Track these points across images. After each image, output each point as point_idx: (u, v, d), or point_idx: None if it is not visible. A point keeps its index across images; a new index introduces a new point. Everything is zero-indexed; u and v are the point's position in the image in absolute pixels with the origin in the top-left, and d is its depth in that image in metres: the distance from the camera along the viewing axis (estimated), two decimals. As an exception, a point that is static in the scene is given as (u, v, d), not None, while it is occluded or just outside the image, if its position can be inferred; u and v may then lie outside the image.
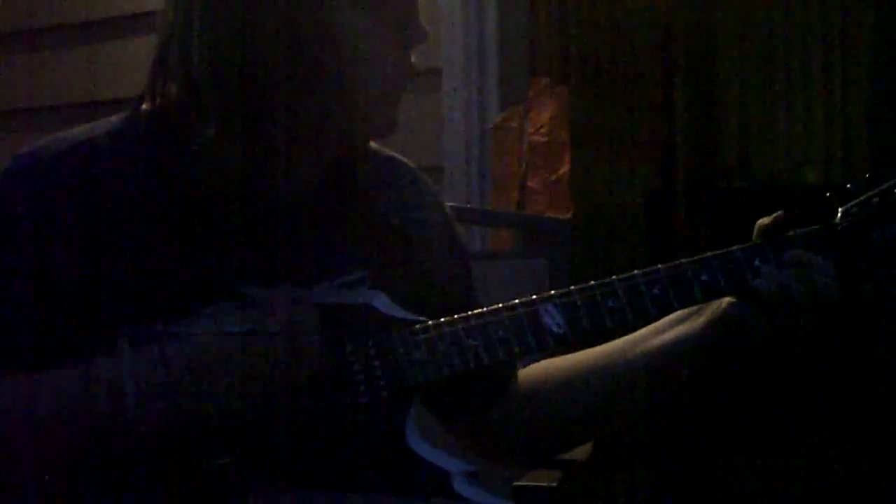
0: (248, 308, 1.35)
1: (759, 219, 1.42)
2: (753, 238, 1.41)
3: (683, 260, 1.38)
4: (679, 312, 1.47)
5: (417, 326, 1.37)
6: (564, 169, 2.98)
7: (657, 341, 1.49)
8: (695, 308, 1.46)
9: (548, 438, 1.60)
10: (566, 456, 1.70)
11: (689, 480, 3.13)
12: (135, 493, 1.29)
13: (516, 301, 1.39)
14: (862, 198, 1.39)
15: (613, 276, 1.38)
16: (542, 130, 3.02)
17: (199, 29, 1.33)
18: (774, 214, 1.41)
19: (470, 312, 1.38)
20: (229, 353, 1.30)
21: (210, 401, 1.28)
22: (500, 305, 1.38)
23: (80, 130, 1.41)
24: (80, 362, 1.30)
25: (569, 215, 2.94)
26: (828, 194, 1.40)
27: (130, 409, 1.26)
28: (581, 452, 1.78)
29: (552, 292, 1.39)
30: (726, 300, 1.42)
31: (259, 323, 1.34)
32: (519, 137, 3.05)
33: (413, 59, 1.42)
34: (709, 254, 1.39)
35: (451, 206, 1.64)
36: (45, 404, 1.29)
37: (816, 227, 1.39)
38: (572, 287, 1.39)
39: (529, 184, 3.02)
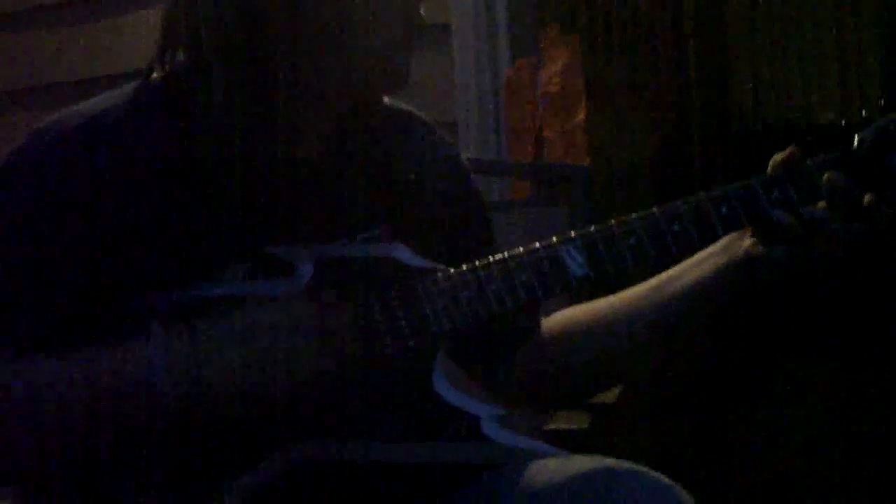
0: (270, 267, 1.36)
1: None
2: (769, 173, 1.41)
3: (702, 193, 1.38)
4: (699, 255, 1.47)
5: (440, 274, 1.38)
6: (579, 117, 2.98)
7: (680, 283, 1.49)
8: (716, 249, 1.46)
9: (574, 384, 1.60)
10: (595, 399, 1.71)
11: (716, 424, 3.14)
12: (165, 470, 1.30)
13: (537, 244, 1.39)
14: (878, 123, 1.38)
15: (633, 214, 1.38)
16: (555, 80, 3.01)
17: None
18: (789, 149, 1.40)
19: (491, 258, 1.38)
20: (257, 330, 1.30)
21: (239, 378, 1.29)
22: (521, 249, 1.39)
23: (91, 104, 1.42)
24: (111, 342, 1.31)
25: (586, 163, 2.94)
26: (842, 123, 1.40)
27: (162, 386, 1.27)
28: (610, 395, 1.78)
29: (572, 233, 1.39)
30: (747, 241, 1.42)
31: (281, 284, 1.35)
32: (532, 88, 3.04)
33: (422, 12, 1.42)
34: (727, 187, 1.39)
35: (469, 158, 1.64)
36: (75, 384, 1.30)
37: (834, 154, 1.38)
38: (592, 227, 1.39)
39: (545, 134, 3.02)
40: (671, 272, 1.51)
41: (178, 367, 1.28)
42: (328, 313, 1.33)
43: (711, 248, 1.46)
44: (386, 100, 1.53)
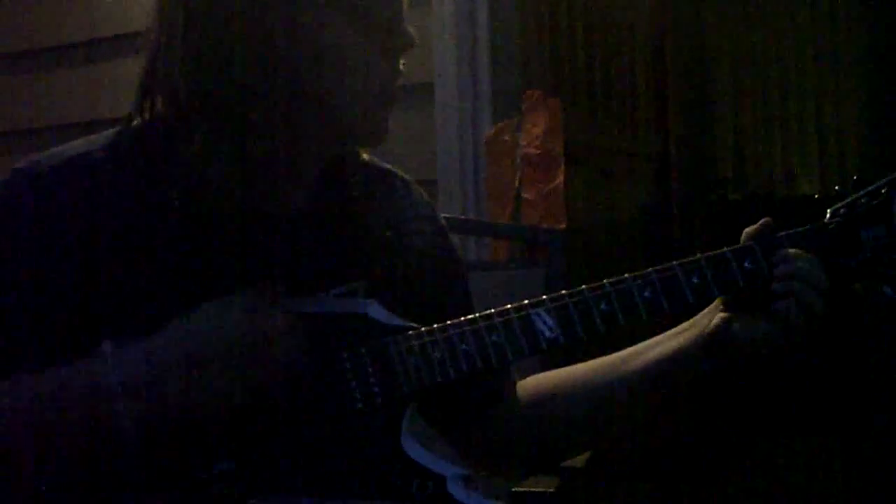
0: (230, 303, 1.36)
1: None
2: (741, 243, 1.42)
3: (674, 262, 1.39)
4: (677, 328, 1.48)
5: (411, 333, 1.38)
6: (558, 180, 3.00)
7: (652, 354, 1.50)
8: (686, 324, 1.47)
9: (543, 448, 1.61)
10: (563, 463, 1.70)
11: (686, 489, 3.14)
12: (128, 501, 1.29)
13: (509, 306, 1.39)
14: (850, 199, 1.40)
15: (605, 280, 1.39)
16: (536, 143, 3.03)
17: (182, 45, 1.35)
18: (761, 221, 1.41)
19: (463, 318, 1.39)
20: (214, 343, 1.29)
21: (199, 392, 1.28)
22: (493, 311, 1.39)
23: (73, 145, 1.43)
24: (64, 365, 1.30)
25: (563, 226, 2.95)
26: (816, 196, 1.41)
27: (119, 407, 1.26)
28: (579, 459, 1.78)
29: (544, 297, 1.39)
30: (717, 316, 1.43)
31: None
32: (512, 150, 3.06)
33: (402, 68, 1.43)
34: (699, 256, 1.40)
35: (448, 217, 1.65)
36: (30, 408, 1.29)
37: (806, 227, 1.40)
38: (564, 292, 1.39)
39: (524, 195, 3.03)
40: (640, 345, 1.51)
41: (134, 383, 1.27)
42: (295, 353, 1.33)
43: (686, 324, 1.48)
44: (366, 157, 1.53)
